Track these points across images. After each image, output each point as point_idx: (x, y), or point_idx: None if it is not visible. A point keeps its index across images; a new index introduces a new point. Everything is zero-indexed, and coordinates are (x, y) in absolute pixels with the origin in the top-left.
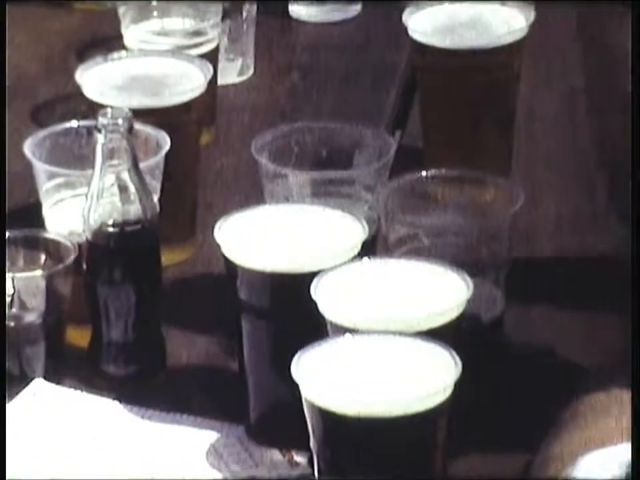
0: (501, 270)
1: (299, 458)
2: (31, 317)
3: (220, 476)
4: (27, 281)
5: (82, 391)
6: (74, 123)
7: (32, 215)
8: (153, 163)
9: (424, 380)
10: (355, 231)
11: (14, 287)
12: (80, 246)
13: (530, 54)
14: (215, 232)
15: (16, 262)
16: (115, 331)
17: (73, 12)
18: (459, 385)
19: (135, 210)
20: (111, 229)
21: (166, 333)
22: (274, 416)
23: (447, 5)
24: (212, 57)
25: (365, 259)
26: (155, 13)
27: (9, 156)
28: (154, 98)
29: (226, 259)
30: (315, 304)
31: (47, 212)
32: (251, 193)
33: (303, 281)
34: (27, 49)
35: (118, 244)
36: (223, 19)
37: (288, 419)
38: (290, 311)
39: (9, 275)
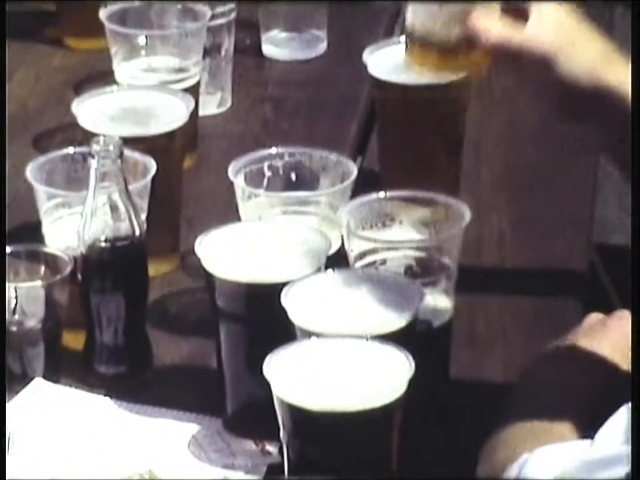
0: (450, 280)
1: (271, 448)
2: (32, 323)
3: (200, 462)
4: (28, 291)
5: (77, 388)
6: (70, 150)
7: (33, 231)
8: (140, 185)
9: (381, 378)
10: (320, 245)
11: (16, 296)
12: (75, 259)
13: (476, 86)
14: (195, 246)
15: (18, 273)
16: (107, 334)
17: (70, 51)
18: (412, 383)
19: (124, 227)
20: (103, 244)
21: (152, 335)
22: (248, 410)
23: (402, 46)
24: (194, 91)
25: (330, 270)
26: (143, 52)
27: (13, 179)
28: (142, 127)
29: (205, 271)
30: (285, 311)
31: (46, 229)
32: (228, 211)
33: (274, 290)
34: (29, 84)
35: (109, 257)
36: (203, 57)
37: (260, 413)
38: (262, 317)
39: (12, 285)
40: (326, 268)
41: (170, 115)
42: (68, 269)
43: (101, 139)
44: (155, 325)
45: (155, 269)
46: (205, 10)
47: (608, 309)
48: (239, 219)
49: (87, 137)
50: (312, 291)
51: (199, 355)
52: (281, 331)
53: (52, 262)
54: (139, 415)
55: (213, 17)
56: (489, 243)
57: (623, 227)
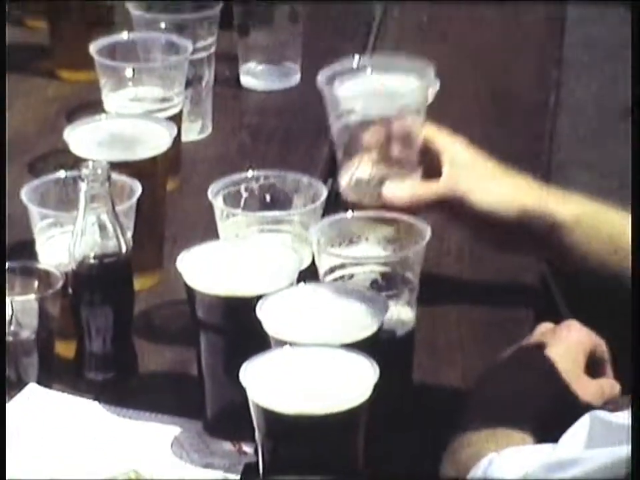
0: (412, 293)
1: (247, 448)
2: (26, 333)
3: (182, 462)
4: (23, 304)
5: (68, 393)
6: (62, 174)
7: (27, 249)
8: (127, 206)
9: (348, 384)
10: (293, 261)
11: (12, 309)
12: (66, 274)
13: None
14: (177, 262)
15: (14, 288)
16: (96, 343)
17: (62, 82)
18: (376, 388)
19: (112, 245)
20: (92, 261)
21: (137, 345)
22: (226, 414)
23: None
24: (177, 118)
25: (302, 284)
26: (130, 83)
27: (9, 200)
28: (128, 153)
29: (187, 285)
30: (260, 322)
31: (40, 246)
32: (208, 230)
33: (250, 303)
34: (25, 113)
35: (98, 273)
36: (186, 88)
37: (237, 416)
38: (239, 327)
39: (8, 299)
40: (298, 282)
41: (154, 141)
42: (60, 284)
43: (90, 163)
44: (140, 335)
45: (140, 283)
46: (187, 44)
47: (558, 319)
48: (218, 237)
49: (78, 161)
50: (285, 304)
51: (181, 363)
52: (256, 340)
53: (45, 277)
54: (125, 418)
55: (195, 50)
56: (448, 257)
57: None
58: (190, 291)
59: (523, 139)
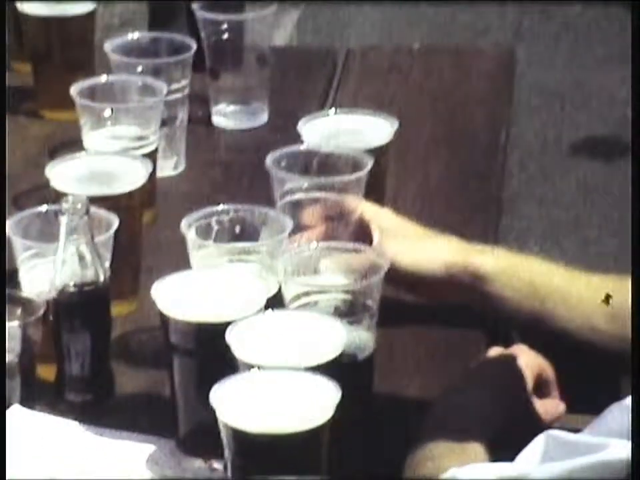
0: (372, 318)
1: (217, 465)
2: (10, 357)
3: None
4: (7, 330)
5: (49, 414)
6: (44, 208)
7: (11, 278)
8: (105, 237)
9: (311, 404)
10: (261, 289)
11: None
12: (48, 302)
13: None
14: (152, 290)
15: None
16: (75, 367)
17: (45, 122)
18: (338, 408)
19: (90, 274)
20: (72, 289)
21: (115, 368)
22: (197, 433)
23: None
24: (152, 155)
25: (269, 311)
26: (108, 123)
27: None
28: (106, 188)
29: (161, 312)
30: (229, 347)
31: (23, 276)
32: (181, 260)
33: (220, 328)
34: (10, 151)
35: (77, 300)
36: (161, 127)
37: (208, 435)
38: (210, 352)
39: None
40: (266, 309)
41: (131, 176)
42: (41, 311)
43: (71, 198)
44: (117, 359)
45: (117, 310)
46: (163, 86)
47: (507, 343)
48: (190, 266)
49: (59, 196)
50: (253, 329)
51: (155, 385)
52: (226, 363)
53: (27, 305)
54: (103, 437)
55: (169, 92)
56: None
57: None
58: (164, 318)
59: (476, 176)
